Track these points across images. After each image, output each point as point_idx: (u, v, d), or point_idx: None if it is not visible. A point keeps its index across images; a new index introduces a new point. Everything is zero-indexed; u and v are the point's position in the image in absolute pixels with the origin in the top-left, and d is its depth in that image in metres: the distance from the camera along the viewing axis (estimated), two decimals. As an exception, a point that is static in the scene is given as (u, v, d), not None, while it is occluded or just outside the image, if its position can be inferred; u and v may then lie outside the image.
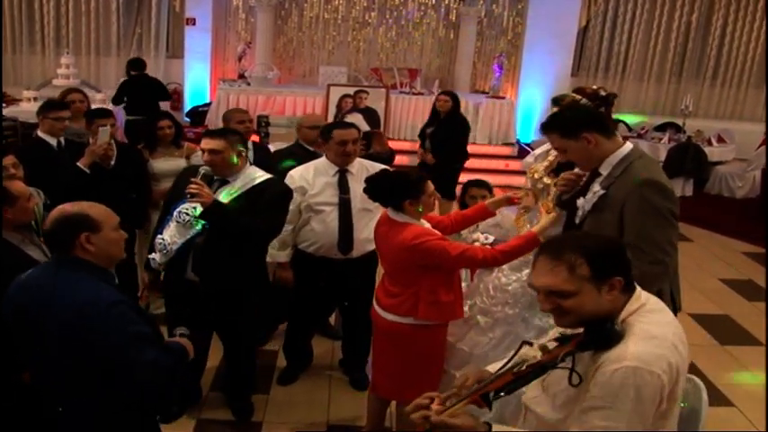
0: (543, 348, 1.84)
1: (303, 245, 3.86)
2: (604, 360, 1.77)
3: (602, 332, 1.78)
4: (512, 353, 1.90)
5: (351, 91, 9.25)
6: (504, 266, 3.27)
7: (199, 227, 3.31)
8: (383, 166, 3.77)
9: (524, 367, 1.80)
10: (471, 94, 10.90)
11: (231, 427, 3.70)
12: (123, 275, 3.02)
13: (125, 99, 8.53)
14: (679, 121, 9.96)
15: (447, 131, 6.84)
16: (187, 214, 3.32)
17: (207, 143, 3.35)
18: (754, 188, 9.18)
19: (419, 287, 3.04)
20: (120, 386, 2.22)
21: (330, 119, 9.31)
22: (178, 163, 4.53)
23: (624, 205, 2.62)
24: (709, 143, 9.74)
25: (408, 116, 10.12)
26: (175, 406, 2.56)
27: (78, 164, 4.05)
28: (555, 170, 3.21)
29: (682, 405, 2.21)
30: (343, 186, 3.76)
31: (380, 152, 3.94)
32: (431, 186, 3.10)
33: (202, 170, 3.36)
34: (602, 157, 2.71)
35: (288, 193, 3.57)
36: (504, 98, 10.59)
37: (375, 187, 3.16)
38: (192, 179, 3.27)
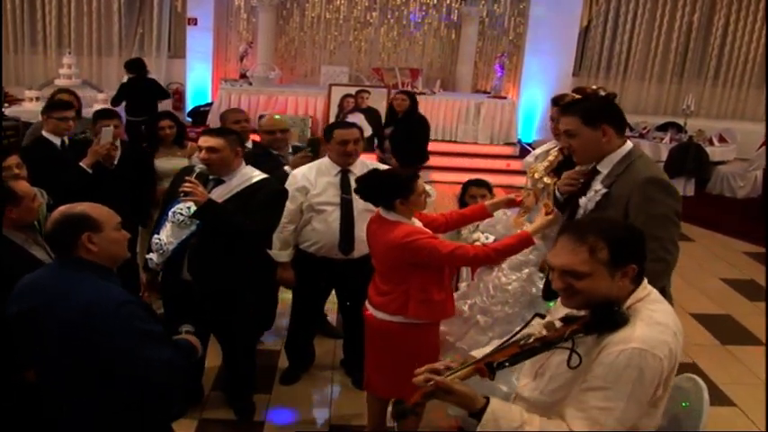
0: (549, 326, 1.87)
1: (304, 245, 3.86)
2: (608, 342, 1.82)
3: (610, 315, 1.83)
4: (519, 326, 1.96)
5: (352, 91, 9.27)
6: (503, 266, 3.28)
7: (194, 227, 3.32)
8: (386, 167, 3.78)
9: (531, 340, 1.84)
10: (473, 93, 10.92)
11: (233, 426, 3.70)
12: (125, 276, 3.03)
13: (125, 101, 8.52)
14: (680, 121, 9.96)
15: (405, 132, 6.80)
16: (181, 214, 3.32)
17: (205, 140, 3.35)
18: (755, 188, 9.18)
19: (409, 285, 3.04)
20: (130, 385, 2.21)
21: (332, 119, 9.35)
22: (180, 162, 4.53)
23: (628, 203, 2.63)
24: (711, 143, 9.75)
25: (409, 116, 10.14)
26: (176, 406, 2.56)
27: (81, 164, 4.06)
28: (555, 170, 3.22)
29: (683, 405, 2.23)
30: (345, 186, 3.77)
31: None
32: (421, 185, 3.10)
33: (197, 169, 3.36)
34: (604, 154, 2.73)
35: (283, 192, 3.57)
36: (505, 98, 10.60)
37: (365, 187, 3.17)
38: (187, 177, 3.28)
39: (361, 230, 3.77)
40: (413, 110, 6.94)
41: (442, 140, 10.19)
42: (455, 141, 10.22)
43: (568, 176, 2.98)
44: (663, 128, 10.19)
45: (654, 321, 1.85)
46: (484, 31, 11.21)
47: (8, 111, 8.59)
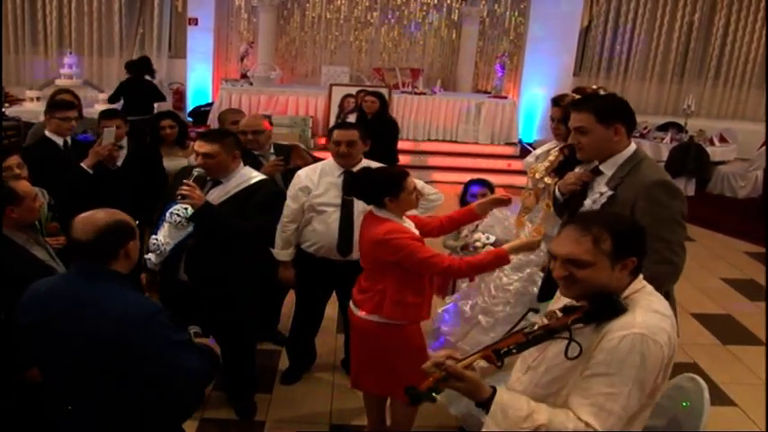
0: (550, 315, 1.91)
1: (305, 245, 3.87)
2: (609, 329, 1.85)
3: (609, 303, 1.87)
4: (518, 319, 2.02)
5: (353, 91, 9.27)
6: (505, 266, 3.28)
7: (191, 228, 3.33)
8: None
9: (536, 328, 1.87)
10: (473, 93, 10.92)
11: (234, 426, 3.71)
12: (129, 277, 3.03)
13: (122, 99, 8.50)
14: (681, 121, 9.96)
15: (375, 133, 6.77)
16: (178, 215, 3.32)
17: (201, 146, 3.34)
18: (756, 188, 9.19)
19: (386, 285, 3.03)
20: (152, 390, 2.19)
21: (332, 119, 9.37)
22: (181, 163, 4.52)
23: (634, 206, 2.63)
24: (711, 143, 9.75)
25: (410, 116, 10.15)
26: (194, 408, 2.55)
27: (82, 164, 4.07)
28: (556, 170, 3.22)
29: (683, 405, 2.24)
30: (347, 188, 3.77)
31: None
32: (412, 183, 3.08)
33: (195, 171, 3.35)
34: (612, 153, 2.73)
35: (280, 194, 3.58)
36: (506, 98, 10.59)
37: (356, 184, 3.18)
38: (185, 180, 3.28)
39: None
40: (383, 111, 6.90)
41: (443, 140, 10.22)
42: (456, 141, 10.23)
43: (576, 176, 2.91)
44: (663, 128, 10.19)
45: (652, 309, 1.90)
46: (484, 30, 11.22)
47: (9, 111, 8.59)
